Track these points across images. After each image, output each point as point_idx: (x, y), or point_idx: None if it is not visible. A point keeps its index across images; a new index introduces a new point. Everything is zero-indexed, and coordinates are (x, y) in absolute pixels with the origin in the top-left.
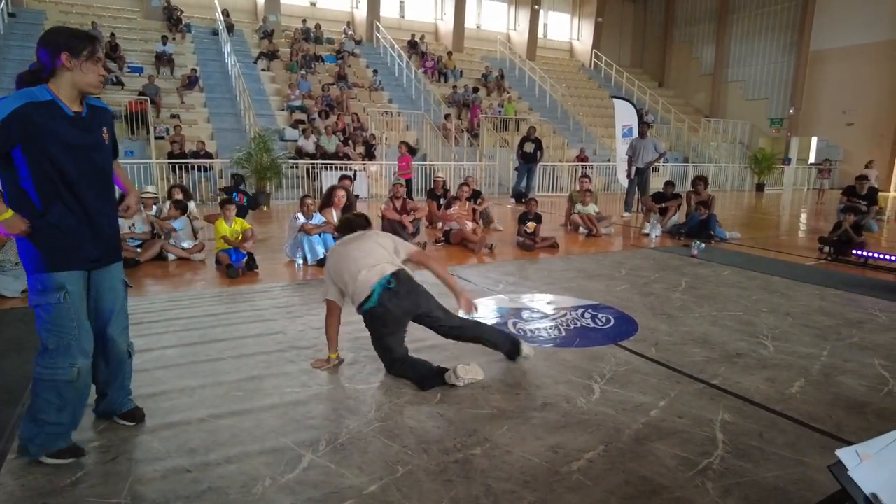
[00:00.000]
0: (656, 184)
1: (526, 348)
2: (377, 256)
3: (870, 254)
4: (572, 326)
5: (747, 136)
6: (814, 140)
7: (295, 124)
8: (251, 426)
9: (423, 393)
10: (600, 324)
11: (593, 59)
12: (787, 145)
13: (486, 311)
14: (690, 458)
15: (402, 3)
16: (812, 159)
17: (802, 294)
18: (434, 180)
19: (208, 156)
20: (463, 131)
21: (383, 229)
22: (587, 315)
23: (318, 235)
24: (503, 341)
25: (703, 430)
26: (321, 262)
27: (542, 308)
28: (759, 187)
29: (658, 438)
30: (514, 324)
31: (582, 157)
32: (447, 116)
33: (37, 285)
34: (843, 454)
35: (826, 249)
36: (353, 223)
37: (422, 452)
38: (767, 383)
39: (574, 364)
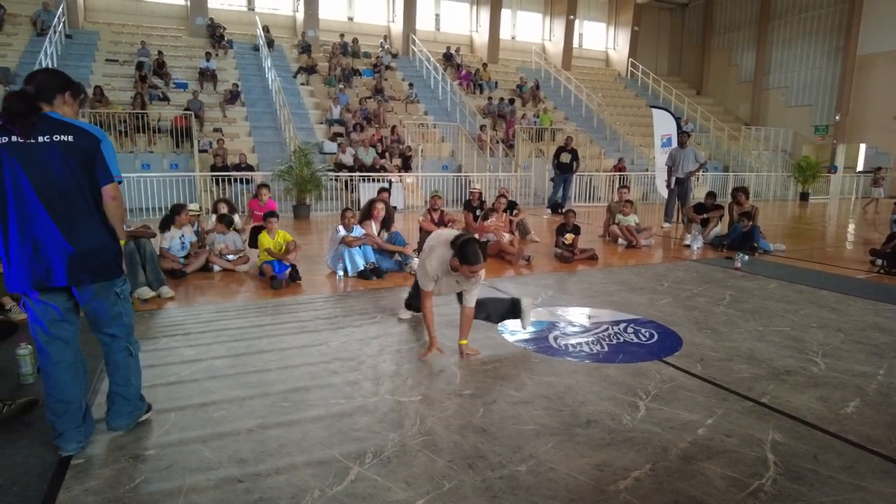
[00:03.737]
0: (698, 194)
1: (525, 302)
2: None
3: None
4: (615, 341)
5: (790, 143)
6: (862, 147)
7: (333, 137)
8: (298, 437)
9: (467, 407)
10: (643, 339)
11: (630, 67)
12: (833, 153)
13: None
14: (741, 479)
15: (437, 15)
16: (860, 167)
17: (854, 309)
18: (470, 192)
19: (249, 168)
20: (498, 142)
21: (421, 240)
22: (630, 329)
23: (358, 247)
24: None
25: (753, 451)
26: (361, 274)
27: (582, 322)
28: (804, 197)
29: (706, 458)
30: (555, 338)
31: (620, 167)
32: (482, 128)
33: (124, 291)
34: None
35: (878, 262)
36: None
37: (467, 468)
38: (820, 402)
39: (618, 380)
